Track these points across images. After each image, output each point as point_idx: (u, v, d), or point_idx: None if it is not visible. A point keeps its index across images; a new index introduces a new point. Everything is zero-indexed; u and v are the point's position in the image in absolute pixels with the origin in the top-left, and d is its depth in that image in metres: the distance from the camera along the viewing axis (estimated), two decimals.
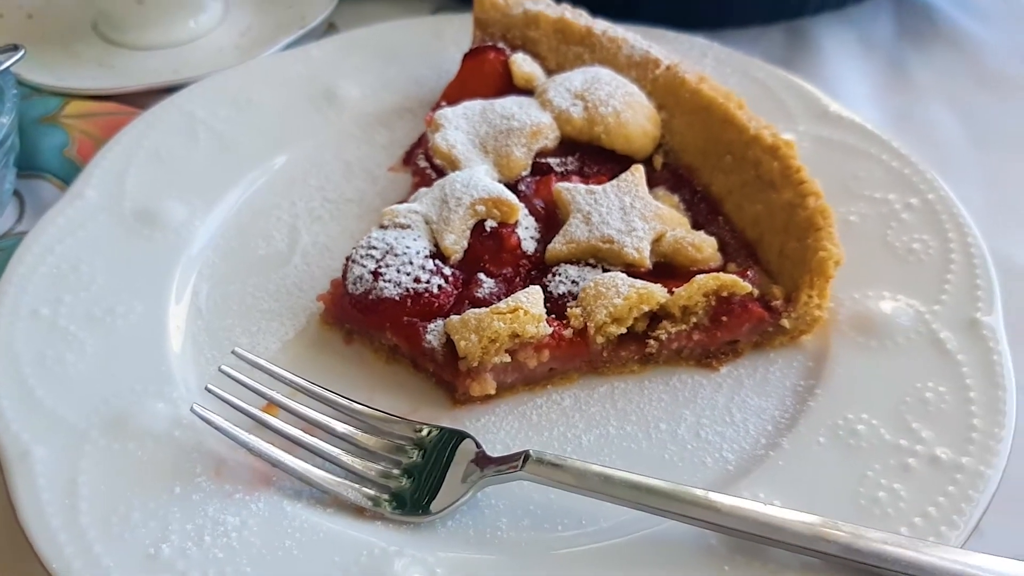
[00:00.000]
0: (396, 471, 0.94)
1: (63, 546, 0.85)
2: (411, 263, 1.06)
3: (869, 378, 1.03)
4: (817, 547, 0.83)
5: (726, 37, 1.53)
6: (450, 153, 1.19)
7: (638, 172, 1.15)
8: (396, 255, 1.06)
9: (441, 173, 1.19)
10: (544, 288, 1.07)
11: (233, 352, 1.00)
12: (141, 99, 1.43)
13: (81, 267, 1.12)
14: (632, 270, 1.08)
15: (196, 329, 1.10)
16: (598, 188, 1.14)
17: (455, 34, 1.46)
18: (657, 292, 1.02)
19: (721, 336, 1.06)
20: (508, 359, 1.01)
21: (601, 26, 1.34)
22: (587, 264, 1.10)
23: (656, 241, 1.10)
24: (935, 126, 1.53)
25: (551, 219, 1.15)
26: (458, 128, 1.21)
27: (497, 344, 0.99)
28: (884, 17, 1.75)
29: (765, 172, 1.14)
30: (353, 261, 1.07)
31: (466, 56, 1.35)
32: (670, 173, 1.23)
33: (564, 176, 1.20)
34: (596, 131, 1.21)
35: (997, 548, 0.87)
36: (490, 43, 1.36)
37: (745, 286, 1.04)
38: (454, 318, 1.01)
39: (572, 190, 1.14)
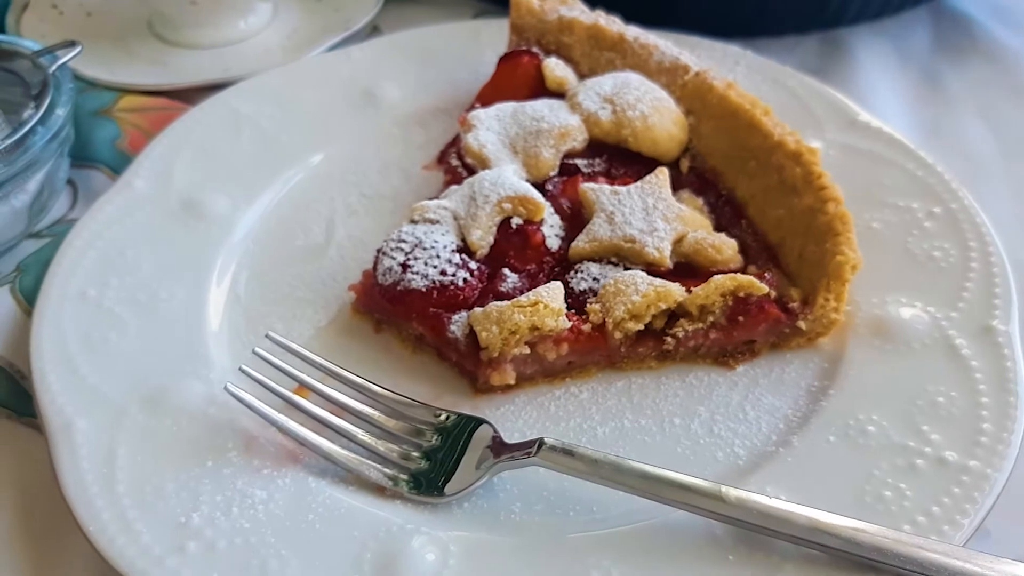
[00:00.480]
0: (416, 453, 0.98)
1: (100, 511, 0.90)
2: (438, 257, 1.10)
3: (882, 381, 1.05)
4: (818, 540, 0.85)
5: (761, 45, 1.56)
6: (481, 152, 1.23)
7: (662, 175, 1.18)
8: (424, 248, 1.10)
9: (472, 172, 1.23)
10: (566, 284, 1.10)
11: (267, 336, 1.05)
12: (191, 95, 1.49)
13: (128, 253, 1.18)
14: (653, 269, 1.11)
15: (234, 314, 1.15)
16: (622, 189, 1.17)
17: (492, 38, 1.50)
18: (675, 290, 1.05)
19: (738, 335, 1.09)
20: (528, 351, 1.04)
21: (633, 32, 1.37)
22: (609, 262, 1.13)
23: (677, 242, 1.13)
24: (967, 138, 1.53)
25: (576, 218, 1.19)
26: (490, 129, 1.25)
27: (517, 336, 1.02)
28: (921, 29, 1.76)
29: (788, 177, 1.16)
30: (383, 253, 1.12)
31: (501, 59, 1.39)
32: (696, 176, 1.26)
33: (591, 177, 1.23)
34: (623, 134, 1.24)
35: (1002, 550, 0.89)
36: (525, 47, 1.40)
37: (762, 287, 1.06)
38: (477, 310, 1.05)
39: (597, 190, 1.17)
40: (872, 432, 0.99)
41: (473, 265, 1.11)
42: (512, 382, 1.06)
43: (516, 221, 1.15)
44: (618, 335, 1.06)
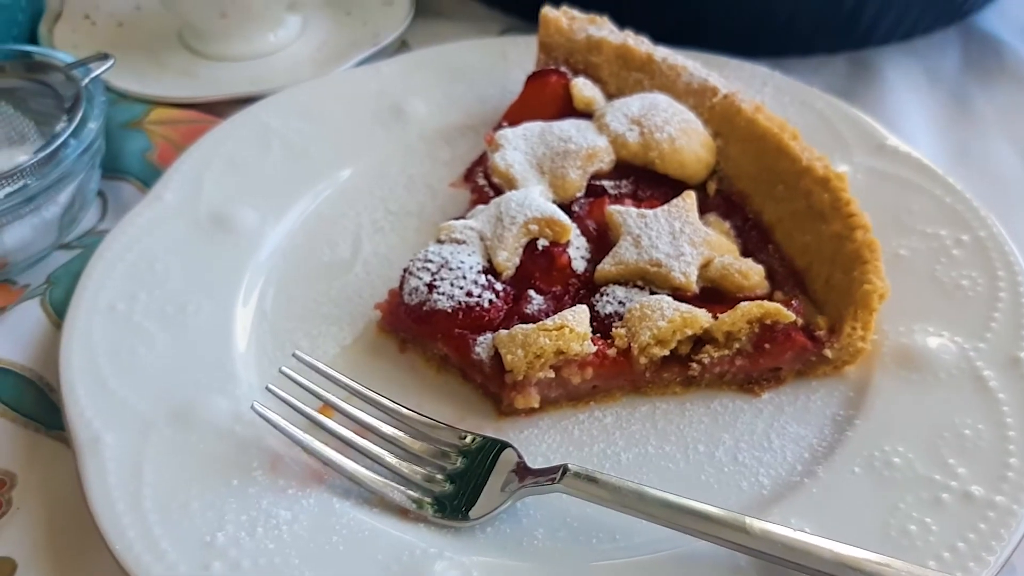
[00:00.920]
0: (440, 476, 0.99)
1: (126, 529, 0.91)
2: (464, 277, 1.10)
3: (908, 411, 1.04)
4: (843, 575, 0.85)
5: (789, 65, 1.56)
6: (508, 172, 1.23)
7: (689, 198, 1.18)
8: (451, 269, 1.11)
9: (498, 191, 1.24)
10: (591, 307, 1.10)
11: (294, 355, 1.06)
12: (220, 108, 1.50)
13: (157, 266, 1.19)
14: (679, 294, 1.11)
15: (261, 330, 1.16)
16: (649, 212, 1.17)
17: (520, 56, 1.50)
18: (701, 317, 1.05)
19: (763, 363, 1.08)
20: (552, 375, 1.04)
21: (661, 53, 1.37)
22: (635, 286, 1.13)
23: (704, 266, 1.13)
24: (996, 161, 1.52)
25: (602, 240, 1.19)
26: (517, 148, 1.26)
27: (542, 360, 1.03)
28: (950, 50, 1.75)
29: (816, 203, 1.16)
30: (410, 273, 1.12)
31: (529, 78, 1.39)
32: (723, 200, 1.26)
33: (618, 199, 1.23)
34: (651, 156, 1.24)
35: None
36: (553, 66, 1.40)
37: (789, 315, 1.06)
38: (503, 332, 1.05)
39: (624, 213, 1.17)
40: (898, 464, 0.99)
41: (499, 286, 1.12)
42: (536, 405, 1.06)
43: (542, 243, 1.15)
44: (643, 360, 1.06)
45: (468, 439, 1.01)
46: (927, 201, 1.27)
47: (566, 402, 1.09)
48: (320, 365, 1.05)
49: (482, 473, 0.98)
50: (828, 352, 1.08)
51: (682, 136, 1.25)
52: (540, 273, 1.14)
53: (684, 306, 1.07)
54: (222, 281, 1.19)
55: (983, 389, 1.05)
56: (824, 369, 1.11)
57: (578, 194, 1.23)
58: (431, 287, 1.10)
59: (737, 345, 1.07)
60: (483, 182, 1.28)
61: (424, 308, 1.09)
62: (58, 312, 1.16)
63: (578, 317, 1.05)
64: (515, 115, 1.35)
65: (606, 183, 1.26)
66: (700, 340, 1.08)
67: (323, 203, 1.34)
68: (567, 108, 1.34)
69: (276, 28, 1.66)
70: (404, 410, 1.03)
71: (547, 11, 1.43)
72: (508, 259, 1.13)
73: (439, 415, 1.05)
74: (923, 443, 1.01)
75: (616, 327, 1.08)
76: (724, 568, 0.91)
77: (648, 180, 1.26)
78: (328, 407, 1.03)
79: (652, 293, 1.12)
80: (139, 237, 1.21)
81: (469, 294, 1.09)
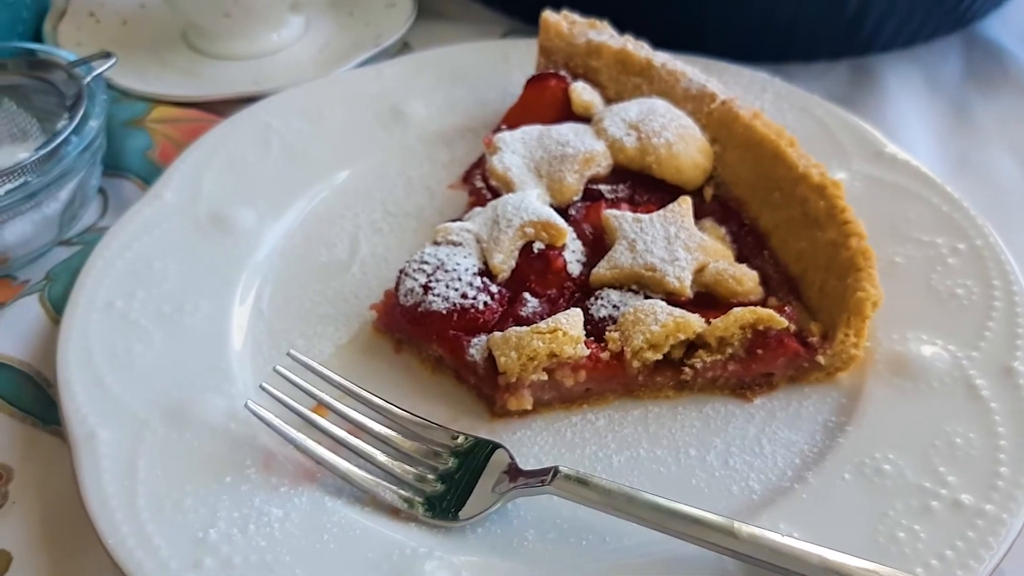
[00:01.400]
0: (431, 476, 0.99)
1: (120, 524, 0.92)
2: (460, 279, 1.11)
3: (900, 419, 1.05)
4: None
5: (790, 71, 1.56)
6: (505, 175, 1.23)
7: (685, 204, 1.19)
8: (446, 271, 1.11)
9: (496, 194, 1.24)
10: (586, 311, 1.11)
11: (288, 354, 1.06)
12: (222, 107, 1.51)
13: (155, 264, 1.19)
14: (673, 298, 1.11)
15: (257, 330, 1.17)
16: (645, 217, 1.17)
17: (521, 59, 1.51)
18: (694, 322, 1.06)
19: (756, 368, 1.09)
20: (545, 377, 1.05)
21: (661, 59, 1.38)
22: (630, 290, 1.14)
23: (698, 271, 1.13)
24: (995, 171, 1.52)
25: (598, 244, 1.19)
26: (515, 152, 1.26)
27: (535, 362, 1.03)
28: (952, 57, 1.75)
29: (811, 210, 1.16)
30: (406, 274, 1.13)
31: (529, 82, 1.40)
32: (719, 205, 1.26)
33: (614, 203, 1.24)
34: (648, 161, 1.25)
35: None
36: (553, 70, 1.41)
37: (781, 321, 1.06)
38: (496, 334, 1.06)
39: (620, 217, 1.18)
40: (888, 471, 0.99)
41: (494, 289, 1.12)
42: (529, 407, 1.06)
43: (538, 246, 1.15)
44: (636, 364, 1.06)
45: (460, 439, 1.02)
46: (924, 209, 1.27)
47: (559, 404, 1.10)
48: (314, 364, 1.06)
49: (473, 474, 0.99)
50: (821, 358, 1.08)
51: (679, 142, 1.25)
52: (535, 276, 1.14)
53: (678, 311, 1.07)
54: (219, 280, 1.20)
55: (975, 398, 1.05)
56: (817, 375, 1.11)
57: (575, 198, 1.24)
58: (427, 288, 1.10)
59: (730, 350, 1.07)
60: (481, 184, 1.28)
61: (419, 309, 1.10)
62: (56, 308, 1.16)
63: (572, 320, 1.06)
64: (514, 118, 1.35)
65: (603, 187, 1.26)
66: (693, 345, 1.08)
67: (321, 203, 1.35)
68: (566, 112, 1.35)
69: (279, 28, 1.67)
70: (396, 410, 1.04)
71: (548, 15, 1.43)
72: (504, 262, 1.14)
73: (433, 416, 1.06)
74: (914, 451, 1.01)
75: (610, 331, 1.08)
76: (713, 572, 0.91)
77: (645, 185, 1.27)
78: (322, 406, 1.03)
79: (646, 297, 1.12)
80: (138, 235, 1.22)
81: (464, 296, 1.10)
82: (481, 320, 1.09)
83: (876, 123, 1.44)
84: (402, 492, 0.97)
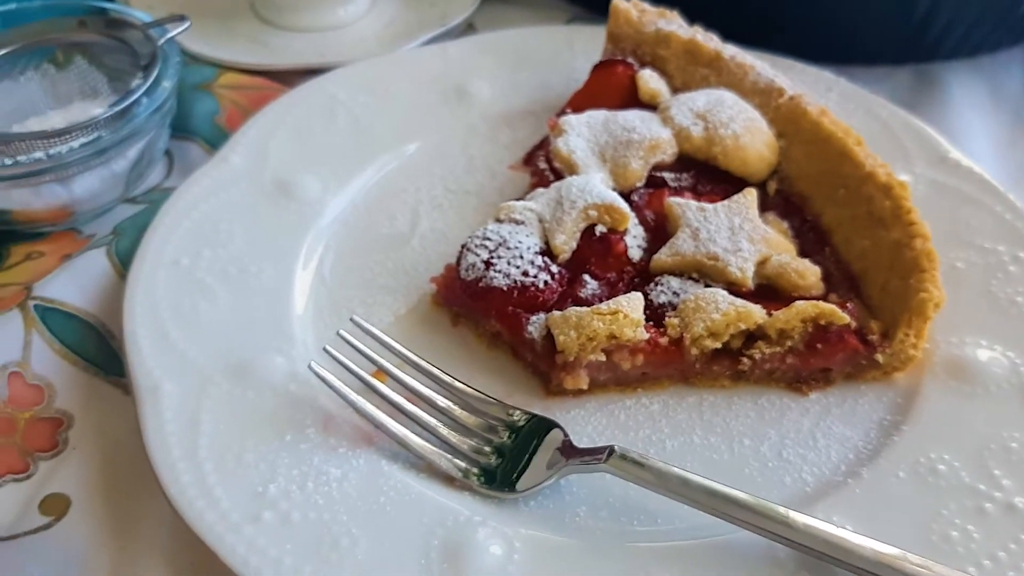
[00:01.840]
0: (487, 448, 1.00)
1: (181, 474, 0.93)
2: (521, 257, 1.12)
3: (956, 421, 1.04)
4: (883, 574, 0.85)
5: (854, 73, 1.55)
6: (570, 158, 1.24)
7: (750, 195, 1.19)
8: (508, 248, 1.12)
9: (559, 176, 1.25)
10: (645, 296, 1.11)
11: (351, 320, 1.08)
12: (288, 77, 1.53)
13: (221, 225, 1.21)
14: (734, 289, 1.11)
15: (318, 295, 1.18)
16: (709, 206, 1.18)
17: (585, 45, 1.51)
18: (756, 312, 1.06)
19: (814, 363, 1.09)
20: (603, 358, 1.05)
21: (730, 51, 1.37)
22: (690, 278, 1.14)
23: (761, 263, 1.13)
24: None
25: (659, 231, 1.20)
26: (580, 135, 1.27)
27: (595, 343, 1.04)
28: (1016, 68, 1.73)
29: (877, 209, 1.16)
30: (468, 249, 1.14)
31: (595, 67, 1.40)
32: (782, 200, 1.26)
33: (677, 191, 1.24)
34: (714, 151, 1.25)
35: None
36: (620, 57, 1.41)
37: (843, 317, 1.06)
38: (556, 313, 1.07)
39: (683, 205, 1.18)
40: (942, 471, 0.99)
41: (555, 268, 1.13)
42: (585, 387, 1.07)
43: (600, 229, 1.16)
44: (695, 351, 1.06)
45: (516, 415, 1.03)
46: (986, 216, 1.26)
47: (614, 386, 1.10)
48: (376, 331, 1.07)
49: (528, 449, 1.00)
50: (879, 357, 1.08)
51: (746, 134, 1.25)
52: (596, 259, 1.15)
53: (739, 300, 1.07)
54: (283, 246, 1.22)
55: None
56: (874, 374, 1.11)
57: (638, 184, 1.24)
58: (488, 264, 1.11)
59: (789, 343, 1.07)
60: (544, 166, 1.29)
61: (480, 284, 1.11)
62: (123, 263, 1.18)
63: (632, 303, 1.06)
64: (579, 102, 1.36)
65: (667, 175, 1.26)
66: (752, 335, 1.08)
67: (384, 177, 1.36)
68: (632, 99, 1.35)
69: (346, 3, 1.68)
70: (456, 382, 1.05)
71: (618, 2, 1.43)
72: (565, 242, 1.14)
73: (487, 390, 1.07)
74: (969, 453, 1.01)
75: (669, 316, 1.08)
76: (762, 559, 0.91)
77: (709, 175, 1.27)
78: (381, 372, 1.04)
79: (707, 286, 1.12)
80: (205, 196, 1.24)
81: (525, 273, 1.10)
82: (541, 298, 1.10)
83: (938, 130, 1.43)
84: (458, 462, 0.98)
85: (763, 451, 1.05)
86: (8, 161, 1.16)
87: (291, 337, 1.10)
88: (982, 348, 1.11)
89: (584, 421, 1.08)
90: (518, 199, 1.22)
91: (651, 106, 1.33)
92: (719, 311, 1.06)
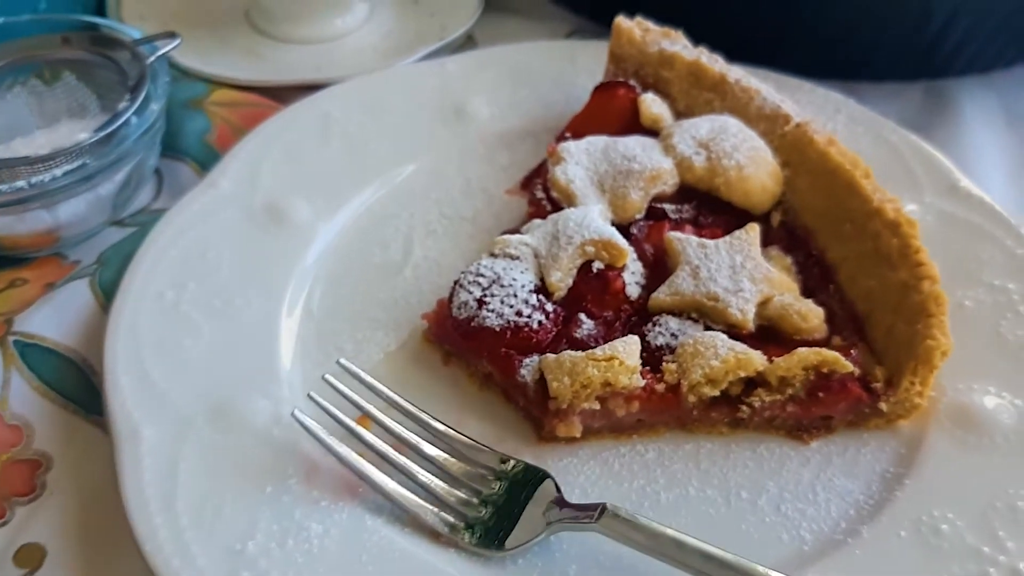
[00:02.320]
0: (475, 500, 0.97)
1: (158, 529, 0.90)
2: (515, 296, 1.08)
3: (961, 475, 1.01)
4: None
5: (862, 90, 1.51)
6: (568, 188, 1.20)
7: (753, 231, 1.15)
8: (502, 286, 1.09)
9: (556, 206, 1.21)
10: (643, 337, 1.08)
11: (338, 363, 1.04)
12: (282, 92, 1.49)
13: (208, 254, 1.18)
14: (734, 331, 1.08)
15: (306, 330, 1.15)
16: (710, 243, 1.14)
17: (588, 62, 1.47)
18: (756, 359, 1.02)
19: (816, 411, 1.05)
20: (598, 405, 1.02)
21: (735, 74, 1.33)
22: (689, 318, 1.10)
23: (762, 304, 1.10)
24: None
25: (659, 266, 1.16)
26: (579, 163, 1.23)
27: (589, 390, 1.00)
28: None
29: (883, 247, 1.12)
30: (461, 286, 1.10)
31: (596, 89, 1.36)
32: (786, 232, 1.22)
33: (678, 224, 1.20)
34: (716, 182, 1.21)
35: None
36: (622, 78, 1.37)
37: (847, 365, 1.03)
38: (550, 357, 1.03)
39: (684, 241, 1.14)
40: (945, 532, 0.96)
41: (549, 307, 1.09)
42: (578, 435, 1.04)
43: (597, 265, 1.12)
44: (692, 398, 1.03)
45: (509, 464, 1.00)
46: (997, 251, 1.22)
47: (608, 433, 1.07)
48: (364, 376, 1.04)
49: (519, 502, 0.96)
50: (883, 405, 1.05)
51: (750, 164, 1.21)
52: (592, 296, 1.11)
53: (739, 346, 1.04)
54: (271, 276, 1.18)
55: None
56: (877, 422, 1.07)
57: (638, 216, 1.21)
58: (481, 303, 1.08)
59: (790, 391, 1.04)
60: (541, 195, 1.25)
61: (472, 324, 1.07)
62: (106, 295, 1.15)
63: (629, 349, 1.03)
64: (579, 126, 1.32)
65: (667, 206, 1.22)
66: (752, 382, 1.05)
67: (377, 201, 1.32)
68: (633, 123, 1.31)
69: (343, 13, 1.64)
70: (446, 429, 1.02)
71: (621, 21, 1.39)
72: (561, 279, 1.11)
73: (477, 433, 1.03)
74: (974, 512, 0.97)
75: (667, 361, 1.05)
76: None
77: (711, 206, 1.23)
78: (366, 418, 1.01)
79: (706, 327, 1.09)
80: (193, 223, 1.21)
81: (519, 313, 1.07)
82: (535, 339, 1.07)
83: (950, 150, 1.38)
84: (445, 516, 0.95)
85: (761, 505, 1.01)
86: None
87: (276, 376, 1.07)
88: (989, 395, 1.08)
89: (577, 470, 1.04)
90: (514, 230, 1.18)
91: (653, 131, 1.29)
92: (718, 357, 1.02)
